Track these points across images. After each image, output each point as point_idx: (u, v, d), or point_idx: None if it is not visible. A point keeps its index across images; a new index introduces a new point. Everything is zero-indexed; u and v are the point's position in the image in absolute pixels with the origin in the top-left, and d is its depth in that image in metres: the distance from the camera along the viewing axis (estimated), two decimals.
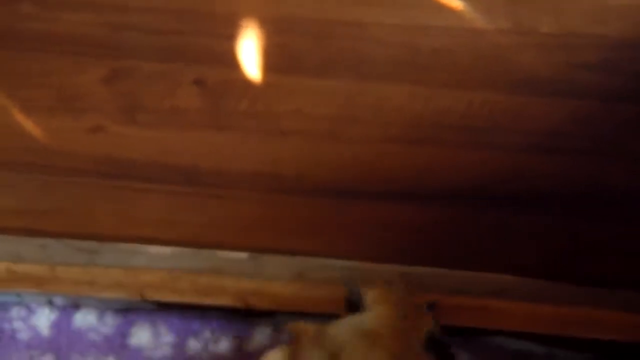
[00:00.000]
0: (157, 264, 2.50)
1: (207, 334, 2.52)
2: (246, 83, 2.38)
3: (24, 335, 2.48)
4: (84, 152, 2.46)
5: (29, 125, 2.45)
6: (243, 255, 2.52)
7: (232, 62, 2.36)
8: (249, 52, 2.35)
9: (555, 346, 2.46)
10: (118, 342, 2.50)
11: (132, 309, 2.54)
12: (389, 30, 2.30)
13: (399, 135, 2.40)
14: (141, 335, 2.51)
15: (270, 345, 2.40)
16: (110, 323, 2.51)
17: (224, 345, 2.52)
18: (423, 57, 2.31)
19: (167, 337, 2.51)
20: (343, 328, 2.17)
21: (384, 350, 2.11)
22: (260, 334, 2.53)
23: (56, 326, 2.50)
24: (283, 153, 2.44)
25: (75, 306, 2.53)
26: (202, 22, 2.34)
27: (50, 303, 2.52)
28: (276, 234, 2.52)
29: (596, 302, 2.42)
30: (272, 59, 2.36)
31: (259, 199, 2.48)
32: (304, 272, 2.50)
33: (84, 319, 2.51)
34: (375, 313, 2.20)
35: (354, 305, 2.26)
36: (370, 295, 2.24)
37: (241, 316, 2.53)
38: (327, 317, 2.27)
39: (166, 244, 2.53)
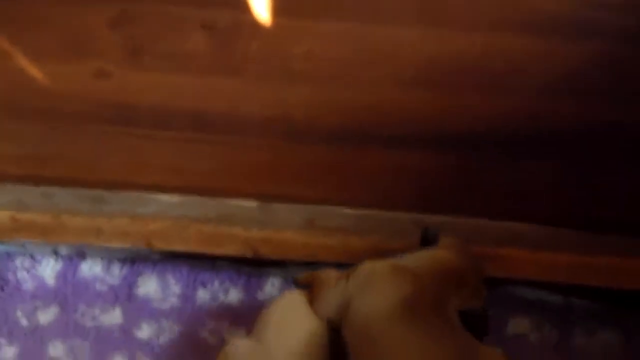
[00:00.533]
0: (165, 212, 2.45)
1: (216, 284, 2.47)
2: (255, 26, 2.32)
3: (28, 285, 2.43)
4: (90, 97, 2.40)
5: (32, 70, 2.39)
6: (252, 203, 2.47)
7: (241, 5, 2.30)
8: None
9: (572, 295, 2.42)
10: (125, 293, 2.45)
11: (139, 259, 2.48)
12: None
13: (412, 79, 2.35)
14: (148, 286, 2.46)
15: None
16: (116, 273, 2.46)
17: (233, 295, 2.47)
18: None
19: (175, 288, 2.46)
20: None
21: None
22: (271, 285, 2.48)
23: (61, 276, 2.45)
24: (293, 98, 2.39)
25: (81, 256, 2.47)
26: None
27: (55, 253, 2.47)
28: (286, 181, 2.47)
29: (614, 250, 2.37)
30: (282, 1, 2.30)
31: (269, 145, 2.43)
32: (315, 220, 2.44)
33: (90, 269, 2.46)
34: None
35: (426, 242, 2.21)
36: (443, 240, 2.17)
37: (251, 266, 2.48)
38: (339, 266, 2.22)
39: (174, 191, 2.47)
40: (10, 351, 2.34)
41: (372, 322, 1.97)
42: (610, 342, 2.33)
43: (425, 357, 1.90)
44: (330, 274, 2.13)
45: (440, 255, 2.10)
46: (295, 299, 2.13)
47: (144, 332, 2.41)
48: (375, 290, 2.02)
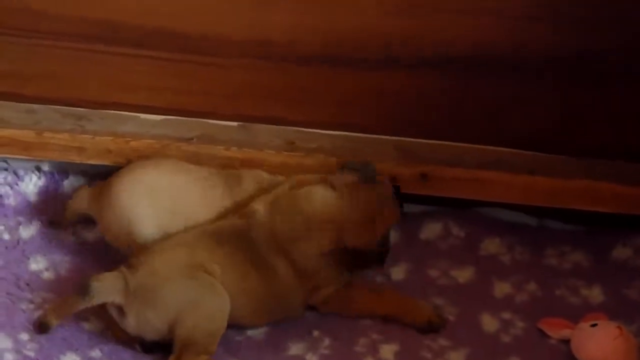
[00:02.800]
0: (146, 131, 2.46)
1: None
2: None
3: (11, 200, 2.45)
4: (70, 14, 2.40)
5: None
6: (233, 123, 2.48)
7: None
8: None
9: (547, 217, 2.44)
10: None
11: None
12: None
13: (393, 3, 2.34)
14: None
15: None
16: None
17: None
18: None
19: None
20: None
21: None
22: None
23: (44, 192, 2.47)
24: (272, 19, 2.38)
25: (64, 173, 2.50)
26: None
27: (38, 169, 2.49)
28: (267, 102, 2.47)
29: (590, 174, 2.39)
30: None
31: (248, 66, 2.43)
32: (295, 142, 2.46)
33: (72, 185, 2.48)
34: None
35: None
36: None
37: None
38: None
39: (155, 111, 2.49)
40: None
41: None
42: (580, 262, 2.35)
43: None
44: None
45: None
46: None
47: None
48: None
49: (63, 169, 2.50)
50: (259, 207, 2.21)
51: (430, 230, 2.43)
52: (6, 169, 2.48)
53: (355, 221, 2.18)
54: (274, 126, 2.48)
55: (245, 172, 2.34)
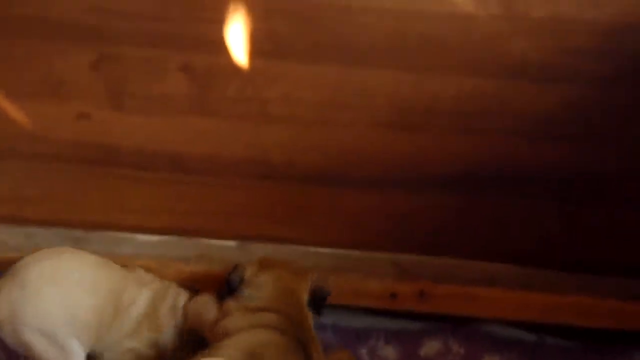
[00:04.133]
0: (145, 252, 2.48)
1: None
2: (234, 68, 2.36)
3: None
4: (70, 139, 2.44)
5: (13, 111, 2.42)
6: (231, 243, 2.50)
7: (219, 48, 2.34)
8: (236, 37, 2.33)
9: (544, 333, 2.45)
10: None
11: None
12: (378, 15, 2.29)
13: (388, 121, 2.38)
14: None
15: None
16: None
17: None
18: (412, 42, 2.30)
19: None
20: None
21: None
22: None
23: None
24: (271, 139, 2.42)
25: None
26: (189, 7, 2.32)
27: None
28: (264, 221, 2.50)
29: (586, 289, 2.41)
30: (259, 44, 2.34)
31: (247, 186, 2.46)
32: (293, 260, 2.47)
33: None
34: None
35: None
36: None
37: None
38: None
39: (153, 232, 2.50)
40: None
41: None
42: None
43: None
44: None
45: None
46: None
47: None
48: None
49: None
50: None
51: (430, 347, 2.43)
52: None
53: None
54: (271, 244, 2.50)
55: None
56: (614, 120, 2.32)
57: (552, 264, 2.45)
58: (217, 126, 2.41)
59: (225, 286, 2.11)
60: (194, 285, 2.20)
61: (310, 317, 2.10)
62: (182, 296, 2.16)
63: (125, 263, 2.38)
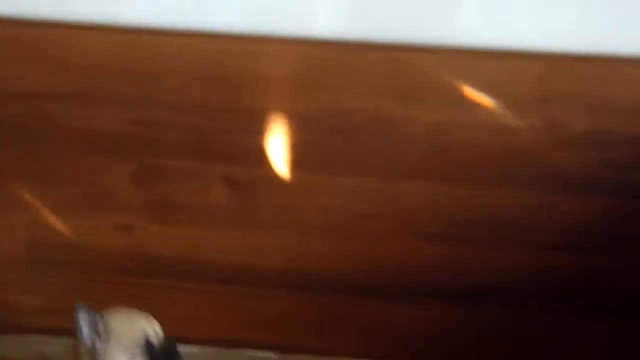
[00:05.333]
0: None
1: None
2: (275, 180, 2.38)
3: None
4: (113, 250, 2.45)
5: (58, 223, 2.44)
6: (270, 354, 2.49)
7: (261, 160, 2.37)
8: (277, 149, 2.36)
9: None
10: None
11: None
12: (418, 127, 2.32)
13: (426, 233, 2.39)
14: None
15: None
16: None
17: None
18: (452, 154, 2.32)
19: None
20: None
21: None
22: None
23: None
24: (310, 250, 2.43)
25: None
26: (230, 118, 2.36)
27: None
28: (303, 332, 2.49)
29: None
30: (299, 156, 2.37)
31: (286, 297, 2.46)
32: None
33: None
34: None
35: None
36: None
37: None
38: None
39: (192, 342, 2.49)
40: None
41: None
42: None
43: None
44: None
45: None
46: None
47: None
48: None
49: None
50: None
51: None
52: None
53: None
54: (310, 356, 2.49)
55: None
56: None
57: None
58: (257, 237, 2.43)
59: None
60: None
61: None
62: None
63: None
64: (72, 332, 2.46)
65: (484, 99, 2.27)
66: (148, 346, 2.07)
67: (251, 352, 2.49)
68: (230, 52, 2.34)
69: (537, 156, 2.29)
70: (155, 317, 2.48)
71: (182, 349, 2.47)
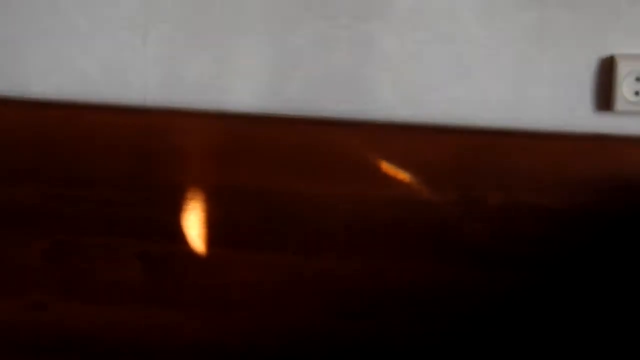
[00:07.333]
0: None
1: None
2: (191, 256, 2.35)
3: None
4: (25, 330, 2.40)
5: None
6: None
7: (176, 236, 2.34)
8: (193, 224, 2.34)
9: None
10: None
11: None
12: (335, 201, 2.30)
13: (347, 310, 2.36)
14: None
15: None
16: None
17: None
18: (369, 228, 2.31)
19: None
20: None
21: None
22: None
23: None
24: (229, 326, 2.39)
25: None
26: (145, 193, 2.33)
27: None
28: None
29: None
30: (216, 231, 2.34)
31: None
32: None
33: None
34: None
35: None
36: None
37: None
38: None
39: None
40: None
41: None
42: None
43: None
44: None
45: None
46: None
47: None
48: None
49: None
50: None
51: None
52: None
53: None
54: None
55: None
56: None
57: None
58: (175, 314, 2.38)
59: None
60: None
61: None
62: None
63: None
64: None
65: (399, 173, 2.27)
66: None
67: None
68: (146, 126, 2.33)
69: (451, 229, 2.29)
70: None
71: None
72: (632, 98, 2.22)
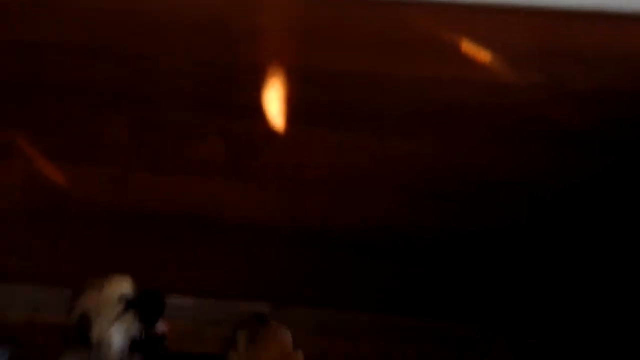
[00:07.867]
0: (179, 314, 2.47)
1: None
2: (270, 134, 2.38)
3: None
4: (106, 201, 2.45)
5: (50, 172, 2.43)
6: (265, 306, 2.50)
7: (256, 113, 2.36)
8: (272, 103, 2.35)
9: None
10: None
11: None
12: (414, 83, 2.31)
13: (421, 189, 2.40)
14: None
15: None
16: None
17: None
18: (448, 110, 2.32)
19: None
20: None
21: None
22: None
23: None
24: (305, 204, 2.43)
25: None
26: (226, 72, 2.35)
27: None
28: (298, 285, 2.50)
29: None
30: (295, 111, 2.36)
31: (281, 250, 2.47)
32: (326, 324, 2.48)
33: None
34: None
35: None
36: None
37: None
38: None
39: (187, 294, 2.50)
40: None
41: None
42: None
43: None
44: None
45: None
46: None
47: None
48: None
49: None
50: None
51: None
52: None
53: None
54: (305, 308, 2.50)
55: None
56: None
57: None
58: (253, 190, 2.43)
59: None
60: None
61: None
62: None
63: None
64: (63, 282, 2.49)
65: (482, 55, 2.26)
66: (132, 306, 2.04)
67: (244, 304, 2.49)
68: (228, 6, 2.32)
69: (535, 113, 2.29)
70: (151, 269, 2.50)
71: (176, 300, 2.49)
72: None
